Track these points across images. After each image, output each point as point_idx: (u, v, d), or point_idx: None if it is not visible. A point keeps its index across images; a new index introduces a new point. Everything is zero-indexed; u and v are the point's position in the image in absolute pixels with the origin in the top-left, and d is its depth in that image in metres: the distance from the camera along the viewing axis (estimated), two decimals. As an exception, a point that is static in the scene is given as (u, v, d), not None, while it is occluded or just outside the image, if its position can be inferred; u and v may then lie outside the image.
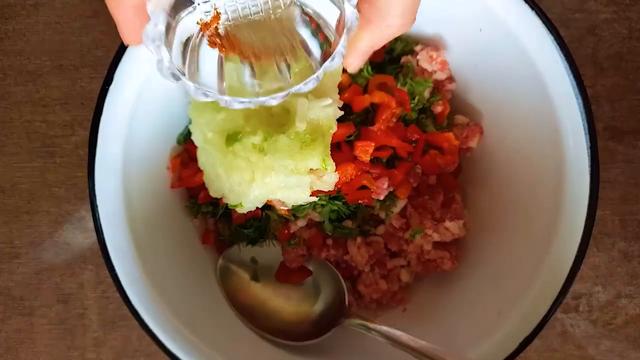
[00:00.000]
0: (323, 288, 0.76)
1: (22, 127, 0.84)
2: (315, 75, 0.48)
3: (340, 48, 0.48)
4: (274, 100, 0.49)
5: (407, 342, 0.65)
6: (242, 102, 0.48)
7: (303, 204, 0.72)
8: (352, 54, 0.56)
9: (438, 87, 0.77)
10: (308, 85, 0.48)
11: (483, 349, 0.66)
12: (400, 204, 0.75)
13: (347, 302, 0.74)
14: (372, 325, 0.69)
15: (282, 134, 0.65)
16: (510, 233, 0.73)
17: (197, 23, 0.46)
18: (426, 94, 0.76)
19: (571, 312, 0.83)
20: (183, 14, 0.46)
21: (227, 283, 0.76)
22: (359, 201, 0.72)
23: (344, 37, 0.48)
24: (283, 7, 0.46)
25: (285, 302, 0.76)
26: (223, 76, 0.48)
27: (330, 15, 0.47)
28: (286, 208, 0.72)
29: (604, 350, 0.83)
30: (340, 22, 0.47)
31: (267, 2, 0.46)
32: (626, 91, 0.84)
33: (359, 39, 0.55)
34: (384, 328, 0.67)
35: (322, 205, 0.73)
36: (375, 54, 0.76)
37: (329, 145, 0.66)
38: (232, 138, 0.67)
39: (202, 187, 0.73)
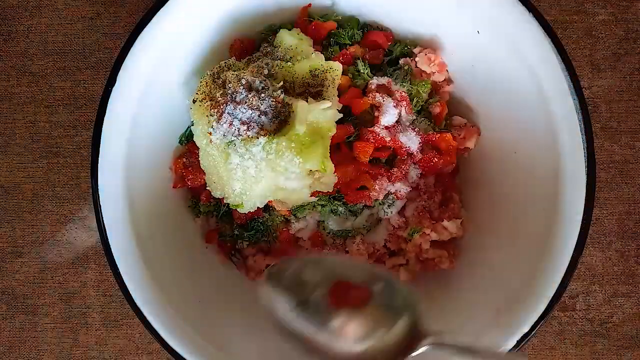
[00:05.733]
0: (389, 310, 0.60)
1: (26, 128, 0.84)
2: None
3: None
4: None
5: None
6: None
7: (303, 204, 0.73)
8: None
9: (436, 89, 0.78)
10: None
11: (481, 346, 0.67)
12: (399, 203, 0.76)
13: (422, 326, 0.58)
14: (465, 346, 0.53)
15: (282, 136, 0.66)
16: (507, 232, 0.73)
17: None
18: (424, 95, 0.76)
19: (568, 311, 0.84)
20: None
21: (271, 311, 0.62)
22: (359, 201, 0.73)
23: None
24: None
25: (340, 335, 0.59)
26: None
27: None
28: (286, 208, 0.73)
29: (600, 349, 0.83)
30: None
31: None
32: (623, 92, 0.85)
33: None
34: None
35: (322, 205, 0.74)
36: (374, 56, 0.77)
37: (328, 148, 0.67)
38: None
39: (204, 187, 0.74)
